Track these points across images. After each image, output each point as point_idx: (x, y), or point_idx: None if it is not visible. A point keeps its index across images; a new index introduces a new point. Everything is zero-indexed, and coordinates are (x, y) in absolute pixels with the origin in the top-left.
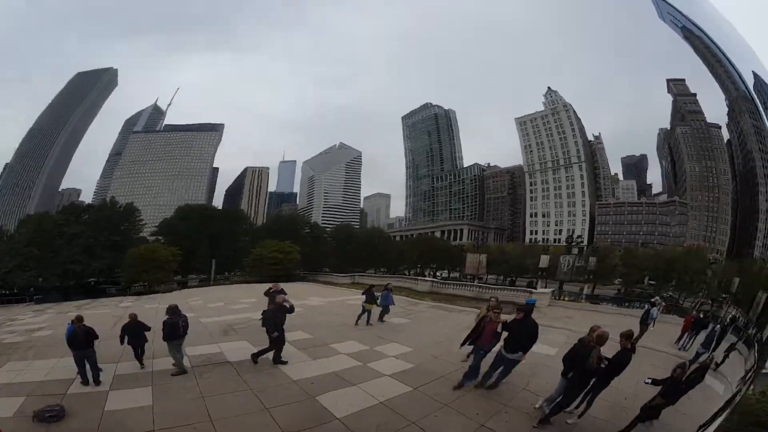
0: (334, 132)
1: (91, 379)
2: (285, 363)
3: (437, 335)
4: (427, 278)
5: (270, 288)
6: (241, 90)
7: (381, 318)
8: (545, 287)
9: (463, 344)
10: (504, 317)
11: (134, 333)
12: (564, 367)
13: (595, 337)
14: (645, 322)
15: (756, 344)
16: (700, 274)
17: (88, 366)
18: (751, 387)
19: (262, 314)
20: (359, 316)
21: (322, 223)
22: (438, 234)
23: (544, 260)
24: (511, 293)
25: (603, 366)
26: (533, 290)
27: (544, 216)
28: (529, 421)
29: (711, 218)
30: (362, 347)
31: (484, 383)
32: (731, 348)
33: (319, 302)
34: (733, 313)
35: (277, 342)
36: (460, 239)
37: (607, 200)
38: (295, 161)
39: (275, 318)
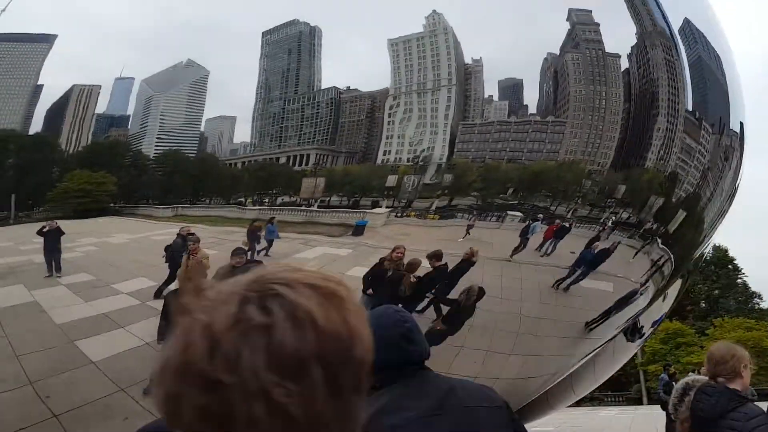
0: (183, 47)
1: None
2: None
3: None
4: (255, 207)
5: (43, 226)
6: None
7: (267, 253)
8: (392, 207)
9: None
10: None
11: None
12: (363, 285)
13: (406, 265)
14: (525, 235)
15: (659, 238)
16: (573, 184)
17: None
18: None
19: (165, 249)
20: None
21: (156, 150)
22: (283, 160)
23: (391, 180)
24: (344, 215)
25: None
26: (367, 211)
27: (399, 137)
28: None
29: (594, 135)
30: (150, 284)
31: None
32: (613, 247)
33: (125, 239)
34: (618, 215)
35: None
36: (307, 164)
37: (473, 120)
38: (133, 79)
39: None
